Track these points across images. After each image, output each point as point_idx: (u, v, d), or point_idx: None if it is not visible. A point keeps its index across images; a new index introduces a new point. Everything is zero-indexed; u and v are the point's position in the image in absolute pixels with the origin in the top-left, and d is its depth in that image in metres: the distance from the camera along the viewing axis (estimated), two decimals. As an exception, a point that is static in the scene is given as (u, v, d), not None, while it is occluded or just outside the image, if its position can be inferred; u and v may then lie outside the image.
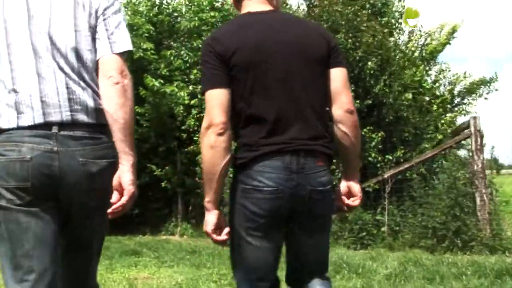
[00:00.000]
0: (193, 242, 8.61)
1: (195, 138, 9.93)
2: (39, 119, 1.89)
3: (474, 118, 6.88)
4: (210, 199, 2.00)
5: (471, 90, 12.11)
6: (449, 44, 12.19)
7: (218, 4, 11.35)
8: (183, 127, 9.99)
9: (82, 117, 1.95)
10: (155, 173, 10.02)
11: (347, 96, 2.04)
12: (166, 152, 10.50)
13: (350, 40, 8.06)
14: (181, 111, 10.01)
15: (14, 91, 1.91)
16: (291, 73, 1.97)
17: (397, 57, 8.82)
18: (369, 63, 7.94)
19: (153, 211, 10.43)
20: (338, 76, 2.04)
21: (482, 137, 6.83)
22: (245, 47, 1.95)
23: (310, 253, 2.08)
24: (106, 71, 1.99)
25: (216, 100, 1.93)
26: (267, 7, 2.09)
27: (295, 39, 2.01)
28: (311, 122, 1.98)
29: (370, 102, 8.00)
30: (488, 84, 12.05)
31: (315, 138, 1.99)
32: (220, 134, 1.91)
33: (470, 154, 6.93)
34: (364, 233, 7.54)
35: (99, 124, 1.98)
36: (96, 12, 2.03)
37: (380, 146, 7.63)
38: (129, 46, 2.05)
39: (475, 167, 6.78)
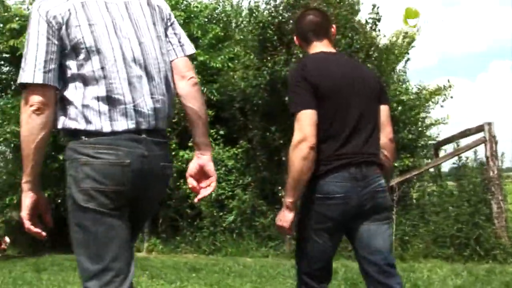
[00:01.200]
0: (177, 259, 7.85)
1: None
2: (132, 126, 1.89)
3: (489, 124, 6.72)
4: (294, 200, 2.33)
5: (428, 99, 12.18)
6: (407, 53, 12.24)
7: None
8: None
9: (161, 124, 1.99)
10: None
11: (390, 127, 2.53)
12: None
13: (343, 41, 7.81)
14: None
15: (108, 97, 1.87)
16: (358, 104, 2.37)
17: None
18: (360, 54, 7.77)
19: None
20: (385, 111, 2.51)
21: (496, 143, 6.72)
22: (331, 80, 2.34)
23: (381, 240, 2.38)
24: (184, 73, 2.09)
25: (310, 119, 2.26)
26: (333, 50, 2.54)
27: (361, 78, 2.45)
28: (370, 142, 2.40)
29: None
30: (444, 91, 12.17)
31: (374, 154, 2.41)
32: (312, 149, 2.24)
33: (485, 159, 6.79)
34: (370, 244, 7.19)
35: (165, 129, 2.04)
36: (167, 16, 2.11)
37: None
38: (194, 49, 2.18)
39: (491, 174, 6.66)
